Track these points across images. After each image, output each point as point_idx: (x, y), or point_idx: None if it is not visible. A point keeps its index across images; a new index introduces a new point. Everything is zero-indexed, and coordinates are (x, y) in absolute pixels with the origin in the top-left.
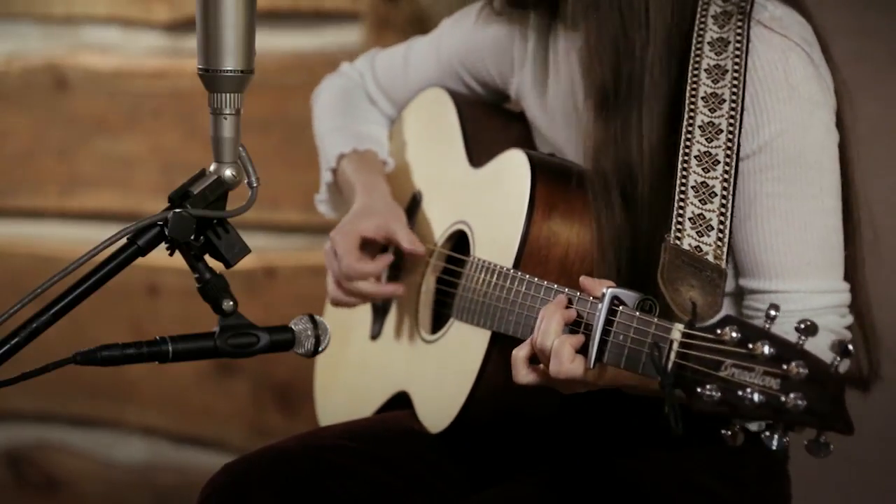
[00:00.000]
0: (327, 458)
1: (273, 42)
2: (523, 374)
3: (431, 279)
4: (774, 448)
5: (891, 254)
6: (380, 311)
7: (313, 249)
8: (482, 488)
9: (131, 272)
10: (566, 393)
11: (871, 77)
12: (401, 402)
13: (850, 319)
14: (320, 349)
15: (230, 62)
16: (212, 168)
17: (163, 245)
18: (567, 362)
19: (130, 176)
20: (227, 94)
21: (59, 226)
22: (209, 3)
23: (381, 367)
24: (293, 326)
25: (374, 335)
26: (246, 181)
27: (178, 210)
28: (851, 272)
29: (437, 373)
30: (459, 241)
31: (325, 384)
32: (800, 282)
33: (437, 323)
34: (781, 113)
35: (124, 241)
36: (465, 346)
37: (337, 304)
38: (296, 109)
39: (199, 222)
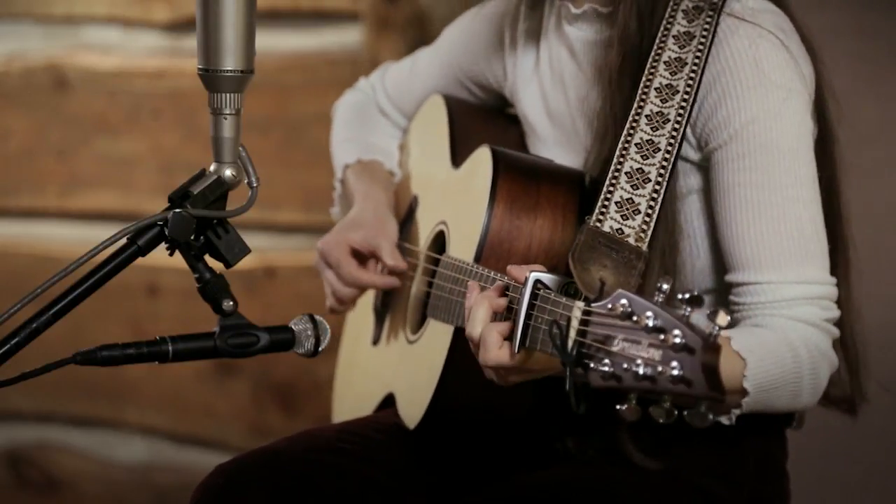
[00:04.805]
0: (320, 458)
1: (273, 42)
2: None
3: (421, 282)
4: (662, 422)
5: (891, 254)
6: (379, 317)
7: (313, 249)
8: (475, 488)
9: (131, 272)
10: (505, 384)
11: (871, 77)
12: (392, 404)
13: (834, 313)
14: (320, 349)
15: (230, 62)
16: (212, 168)
17: (163, 245)
18: (494, 349)
19: (130, 176)
20: (227, 94)
21: (59, 226)
22: (209, 3)
23: (377, 371)
24: (293, 326)
25: (375, 340)
26: (246, 181)
27: (178, 210)
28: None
29: (413, 371)
30: (443, 242)
31: (340, 390)
32: (772, 273)
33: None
34: (751, 100)
35: (124, 241)
36: (434, 342)
37: (334, 311)
38: (296, 109)
39: (199, 222)
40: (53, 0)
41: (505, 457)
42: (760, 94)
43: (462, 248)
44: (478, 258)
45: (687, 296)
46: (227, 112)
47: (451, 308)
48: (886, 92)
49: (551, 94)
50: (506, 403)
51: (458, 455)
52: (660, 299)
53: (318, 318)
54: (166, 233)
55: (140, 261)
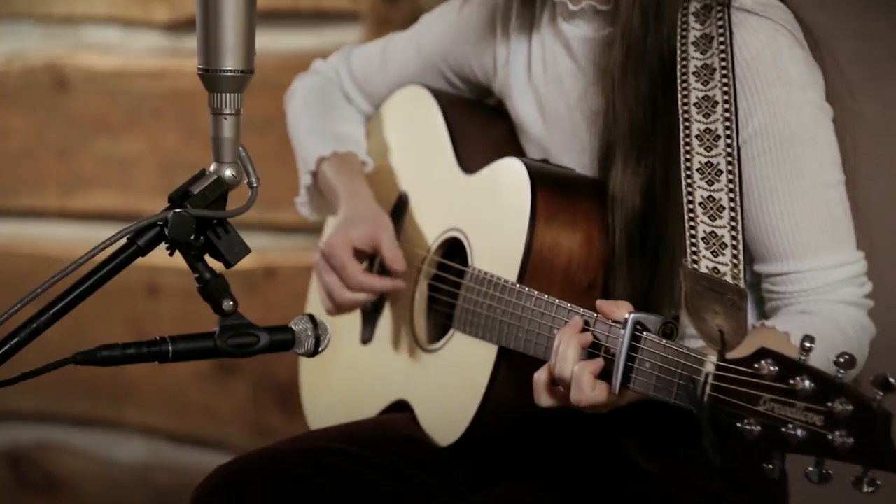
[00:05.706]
0: (322, 460)
1: (273, 42)
2: (544, 398)
3: (424, 285)
4: (817, 483)
5: (891, 254)
6: (370, 315)
7: (313, 249)
8: (476, 489)
9: (131, 272)
10: (589, 413)
11: (871, 77)
12: (400, 409)
13: (868, 287)
14: (320, 349)
15: (230, 62)
16: (212, 168)
17: (163, 245)
18: (588, 390)
19: (130, 176)
20: (227, 94)
21: (59, 226)
22: (209, 3)
23: (378, 374)
24: (293, 326)
25: (366, 339)
26: (246, 181)
27: (178, 210)
28: None
29: (440, 385)
30: (451, 248)
31: (313, 387)
32: (812, 260)
33: (434, 331)
34: (771, 95)
35: (124, 241)
36: (469, 359)
37: (332, 314)
38: None
39: (199, 222)
40: (53, 0)
41: (516, 460)
42: (779, 88)
43: (493, 262)
44: (521, 277)
45: (842, 359)
46: (227, 112)
47: (493, 326)
48: (886, 92)
49: (547, 95)
50: (547, 417)
51: (466, 459)
52: (805, 358)
53: (318, 317)
54: (166, 233)
55: (140, 261)
